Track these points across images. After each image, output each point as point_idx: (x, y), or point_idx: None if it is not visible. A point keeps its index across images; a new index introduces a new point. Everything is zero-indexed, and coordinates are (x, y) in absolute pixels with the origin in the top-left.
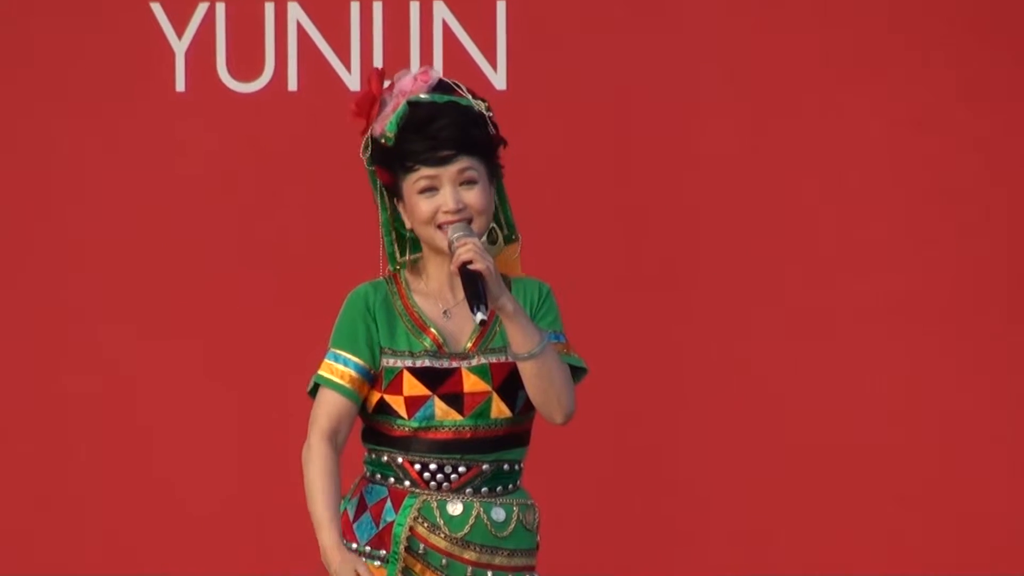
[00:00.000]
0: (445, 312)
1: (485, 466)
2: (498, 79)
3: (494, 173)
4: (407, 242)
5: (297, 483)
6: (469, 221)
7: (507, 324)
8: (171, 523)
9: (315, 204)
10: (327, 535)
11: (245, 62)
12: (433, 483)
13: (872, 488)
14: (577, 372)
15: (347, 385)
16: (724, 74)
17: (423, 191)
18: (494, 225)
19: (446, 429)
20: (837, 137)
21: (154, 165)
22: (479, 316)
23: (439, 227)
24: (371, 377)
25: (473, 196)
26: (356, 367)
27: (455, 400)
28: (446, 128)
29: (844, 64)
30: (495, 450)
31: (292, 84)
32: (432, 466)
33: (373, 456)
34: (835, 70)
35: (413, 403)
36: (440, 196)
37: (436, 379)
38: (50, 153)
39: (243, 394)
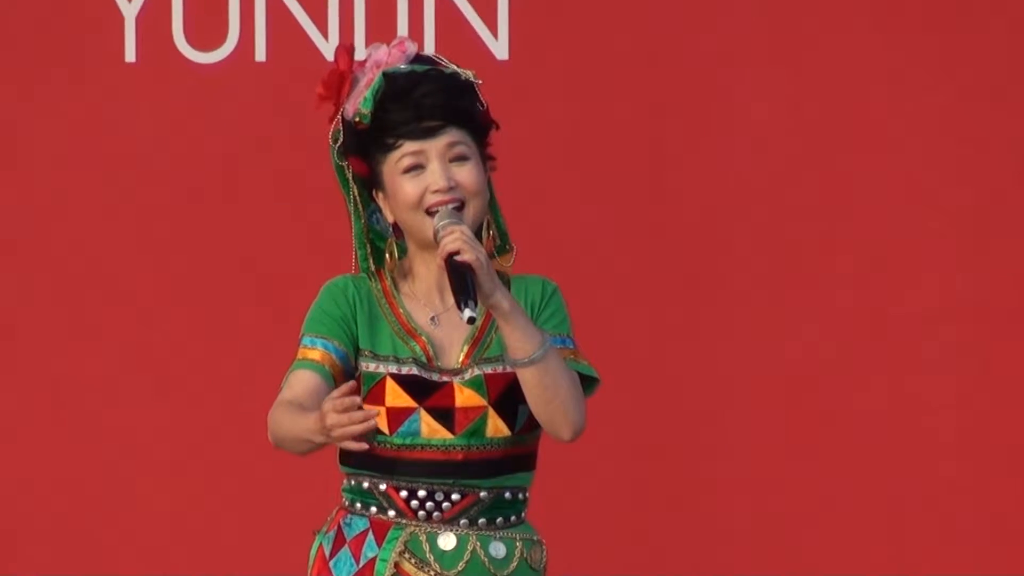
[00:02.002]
0: (433, 319)
1: (483, 493)
2: (499, 47)
3: (485, 157)
4: (383, 255)
5: (293, 483)
6: (461, 206)
7: (503, 326)
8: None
9: (285, 189)
10: (308, 421)
11: (205, 28)
12: (422, 512)
13: (936, 498)
14: (588, 383)
15: (319, 361)
16: (760, 38)
17: (408, 170)
18: (491, 218)
19: (434, 449)
20: (892, 117)
21: (99, 145)
22: (467, 313)
23: (428, 212)
24: (348, 363)
25: (465, 174)
26: (331, 347)
27: (445, 416)
28: (430, 95)
29: (904, 35)
30: (494, 475)
31: (259, 54)
32: (420, 493)
33: (352, 483)
34: (890, 38)
35: (396, 416)
36: (428, 174)
37: (423, 390)
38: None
39: (211, 383)
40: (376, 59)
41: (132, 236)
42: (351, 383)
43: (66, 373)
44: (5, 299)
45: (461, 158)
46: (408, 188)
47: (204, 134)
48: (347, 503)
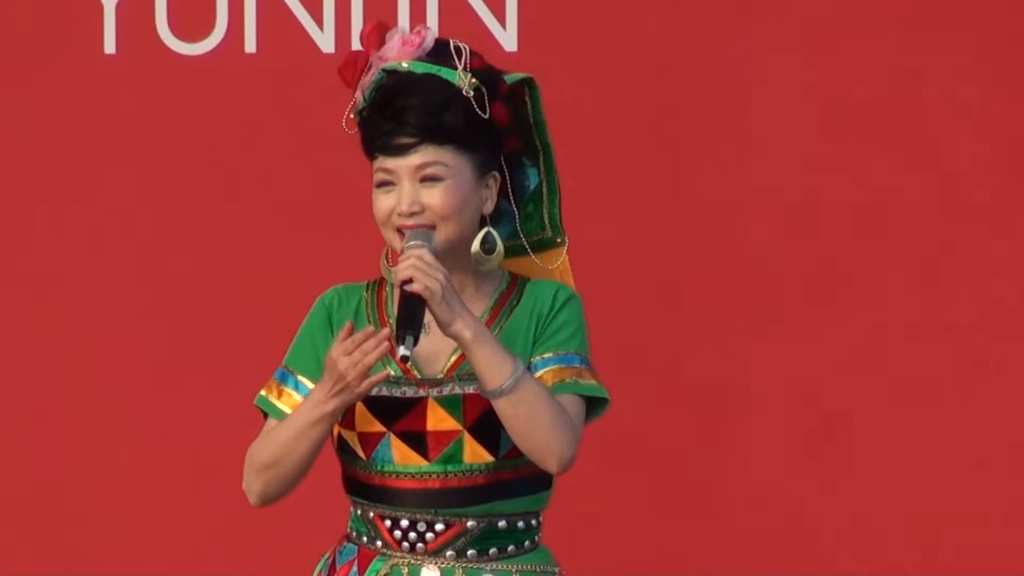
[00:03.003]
0: (424, 326)
1: (470, 523)
2: (507, 38)
3: (487, 166)
4: None
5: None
6: (433, 227)
7: (468, 356)
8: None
9: (278, 189)
10: (312, 397)
11: (191, 17)
12: (406, 543)
13: (983, 514)
14: (598, 403)
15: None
16: (784, 29)
17: (380, 185)
18: (490, 230)
19: (409, 477)
20: (923, 115)
21: (77, 144)
22: (400, 350)
23: (399, 231)
24: None
25: (435, 197)
26: (306, 391)
27: (416, 440)
28: (408, 109)
29: (936, 27)
30: (481, 502)
31: (250, 44)
32: (403, 522)
33: (353, 510)
34: (921, 29)
35: (367, 441)
36: (396, 193)
37: (393, 412)
38: None
39: (201, 382)
40: (389, 48)
41: (115, 237)
42: (347, 324)
43: (46, 373)
44: None
45: (432, 179)
46: (379, 204)
47: (190, 131)
48: (348, 531)
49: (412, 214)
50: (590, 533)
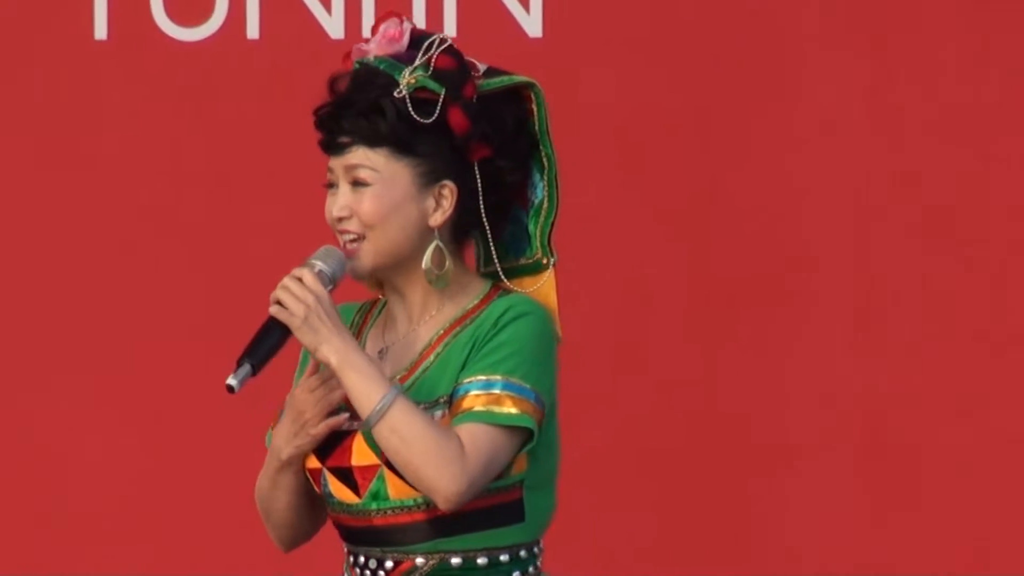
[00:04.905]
0: (381, 352)
1: (419, 560)
2: (531, 24)
3: (437, 174)
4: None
5: None
6: (360, 238)
7: (341, 383)
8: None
9: (279, 182)
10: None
11: (188, 1)
12: None
13: None
14: (520, 431)
15: None
16: (828, 12)
17: (326, 185)
18: (440, 244)
19: (349, 514)
20: (976, 108)
21: (66, 135)
22: (229, 379)
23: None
24: None
25: (361, 202)
26: None
27: (346, 476)
28: (348, 108)
29: (991, 13)
30: (424, 539)
31: (252, 30)
32: (360, 558)
33: None
34: (974, 16)
35: (314, 477)
36: (333, 196)
37: (327, 447)
38: None
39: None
40: (371, 42)
41: (107, 231)
42: (312, 361)
43: (38, 371)
44: None
45: (359, 183)
46: (326, 206)
47: (187, 123)
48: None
49: (340, 219)
50: (627, 543)
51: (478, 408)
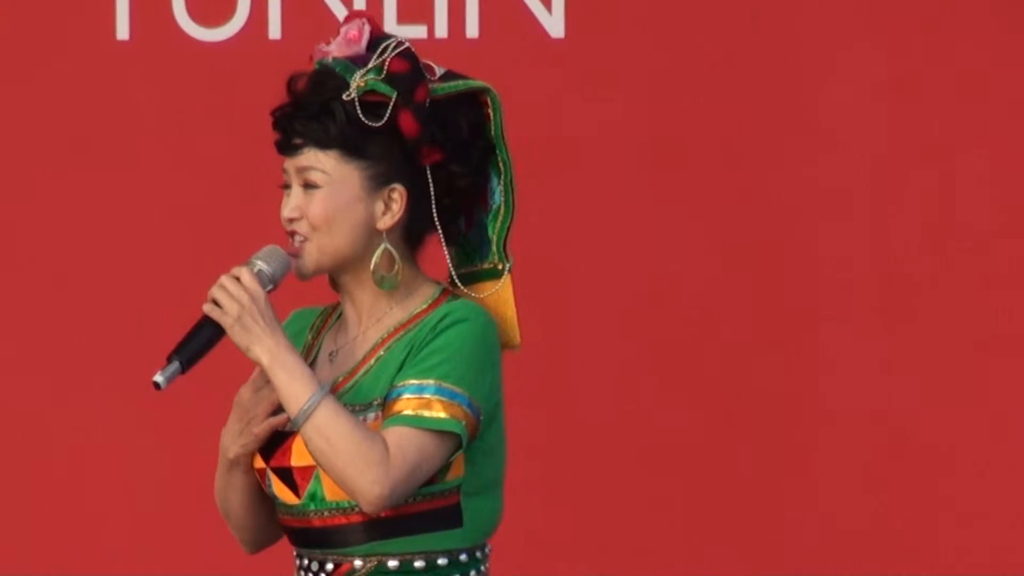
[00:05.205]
0: (331, 354)
1: (357, 563)
2: (553, 24)
3: (386, 177)
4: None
5: None
6: (305, 240)
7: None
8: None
9: None
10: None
11: (210, 2)
12: None
13: None
14: (452, 436)
15: None
16: (856, 10)
17: (281, 186)
18: (388, 247)
19: (291, 515)
20: (1009, 109)
21: (88, 135)
22: (156, 376)
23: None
24: None
25: (310, 204)
26: None
27: (286, 476)
28: (302, 109)
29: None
30: (361, 542)
31: (273, 31)
32: (305, 561)
33: None
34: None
35: (261, 477)
36: (287, 196)
37: (270, 446)
38: None
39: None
40: (333, 43)
41: (128, 231)
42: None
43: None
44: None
45: (310, 185)
46: (281, 206)
47: (209, 124)
48: None
49: (291, 220)
50: (656, 546)
51: (407, 412)
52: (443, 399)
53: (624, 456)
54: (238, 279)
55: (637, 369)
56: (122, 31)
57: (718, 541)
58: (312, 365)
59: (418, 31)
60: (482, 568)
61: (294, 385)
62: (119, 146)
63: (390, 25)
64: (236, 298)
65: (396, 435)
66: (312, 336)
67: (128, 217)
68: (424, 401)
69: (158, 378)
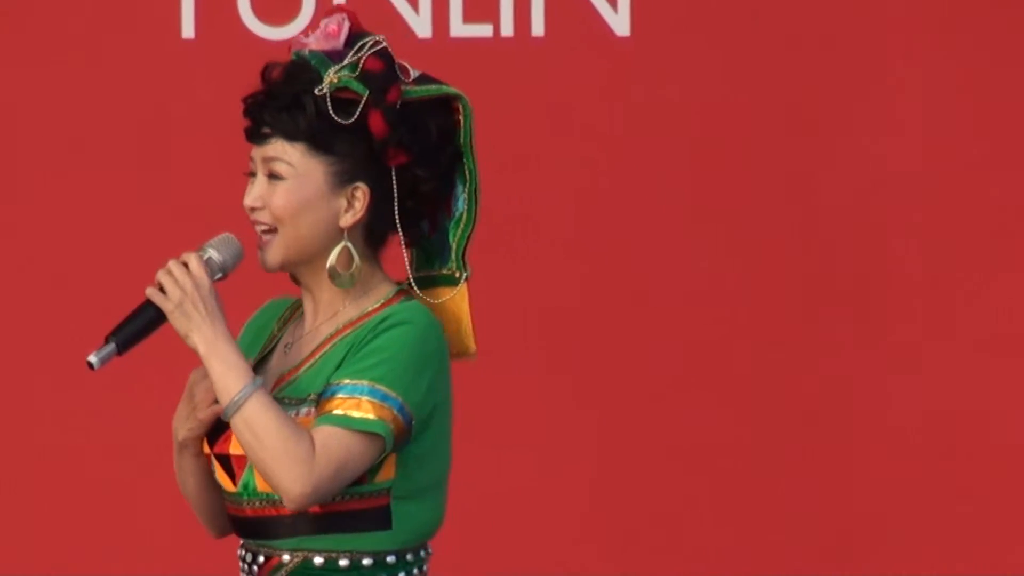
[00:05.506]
0: (287, 346)
1: (285, 556)
2: (619, 22)
3: (351, 175)
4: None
5: None
6: (272, 230)
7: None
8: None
9: None
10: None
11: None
12: (244, 574)
13: None
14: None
15: None
16: (924, 8)
17: (246, 173)
18: (348, 244)
19: (229, 502)
20: None
21: (154, 132)
22: (90, 356)
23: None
24: None
25: (273, 196)
26: None
27: (226, 463)
28: (272, 99)
29: None
30: (287, 535)
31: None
32: (242, 551)
33: None
34: None
35: (208, 462)
36: (251, 185)
37: (215, 432)
38: (14, 118)
39: None
40: (312, 36)
41: (193, 229)
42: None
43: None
44: (46, 289)
45: (274, 176)
46: (244, 194)
47: None
48: None
49: (253, 209)
50: (701, 547)
51: (337, 411)
52: (374, 401)
53: (670, 457)
54: (186, 265)
55: (687, 369)
56: (187, 30)
57: (750, 540)
58: (269, 355)
59: (484, 30)
60: (414, 571)
61: (228, 376)
62: (185, 144)
63: (456, 24)
64: (180, 284)
65: (324, 434)
66: (278, 327)
67: (193, 214)
68: (355, 401)
69: (92, 358)
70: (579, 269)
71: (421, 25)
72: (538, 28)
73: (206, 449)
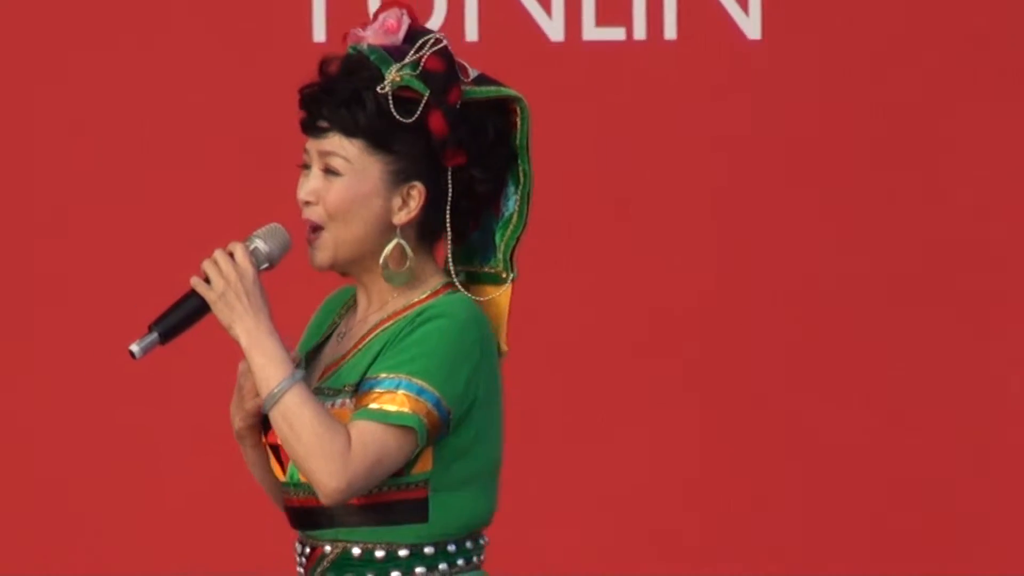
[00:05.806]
0: (341, 335)
1: (327, 547)
2: (750, 25)
3: (407, 174)
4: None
5: None
6: (319, 228)
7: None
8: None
9: None
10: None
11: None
12: (300, 567)
13: None
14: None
15: None
16: None
17: (301, 165)
18: (401, 241)
19: (284, 491)
20: None
21: (287, 136)
22: (132, 345)
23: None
24: None
25: (328, 191)
26: None
27: (276, 453)
28: (331, 94)
29: None
30: (327, 526)
31: (471, 32)
32: (297, 544)
33: None
34: None
35: (266, 451)
36: (305, 177)
37: (268, 422)
38: (147, 112)
39: None
40: (368, 29)
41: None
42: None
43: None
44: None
45: (331, 171)
46: (298, 186)
47: None
48: None
49: (307, 203)
50: (824, 541)
51: (372, 405)
52: (410, 394)
53: (787, 456)
54: (232, 255)
55: (791, 367)
56: (319, 33)
57: (892, 533)
58: (326, 343)
59: (616, 33)
60: (459, 562)
61: (268, 368)
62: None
63: (588, 27)
64: (224, 274)
65: (359, 429)
66: (339, 316)
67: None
68: (391, 395)
69: (134, 347)
70: (711, 267)
71: (554, 29)
72: (671, 32)
73: (262, 437)
